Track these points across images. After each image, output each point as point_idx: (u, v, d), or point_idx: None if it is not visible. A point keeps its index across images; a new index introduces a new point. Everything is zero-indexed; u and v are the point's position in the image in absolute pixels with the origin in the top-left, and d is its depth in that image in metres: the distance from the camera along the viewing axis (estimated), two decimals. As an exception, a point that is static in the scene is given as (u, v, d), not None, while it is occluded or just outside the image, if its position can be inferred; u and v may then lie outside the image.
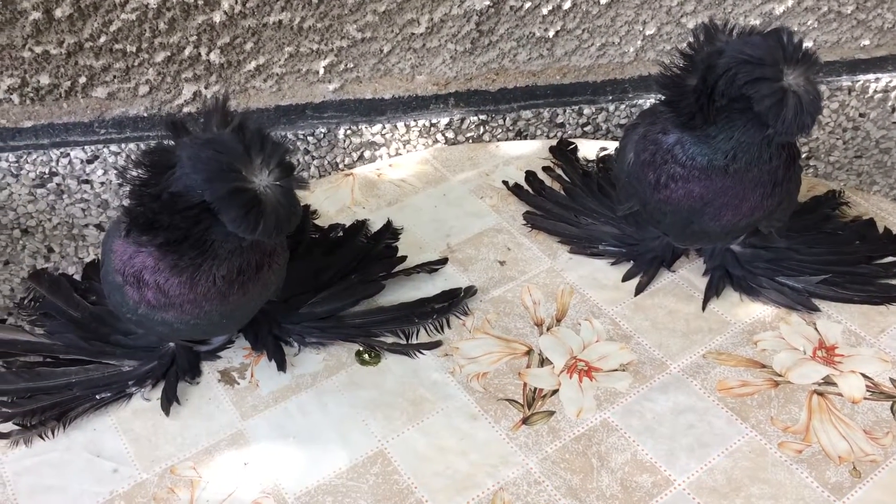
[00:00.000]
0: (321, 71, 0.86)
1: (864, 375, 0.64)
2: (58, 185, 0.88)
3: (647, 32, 0.89)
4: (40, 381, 0.61)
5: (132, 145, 0.87)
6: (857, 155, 1.05)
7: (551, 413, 0.61)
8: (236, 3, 0.79)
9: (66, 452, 0.59)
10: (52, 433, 0.59)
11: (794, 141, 0.63)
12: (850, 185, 1.07)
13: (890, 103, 0.99)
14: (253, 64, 0.85)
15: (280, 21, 0.82)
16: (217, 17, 0.80)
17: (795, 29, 0.91)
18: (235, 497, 0.56)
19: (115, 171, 0.89)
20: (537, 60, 0.90)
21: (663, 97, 0.63)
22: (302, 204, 0.72)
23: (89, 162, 0.88)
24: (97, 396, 0.61)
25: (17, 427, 0.59)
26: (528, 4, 0.85)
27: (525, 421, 0.61)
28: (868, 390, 0.62)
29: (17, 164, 0.87)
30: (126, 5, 0.78)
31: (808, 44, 0.60)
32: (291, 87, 0.88)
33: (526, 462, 0.58)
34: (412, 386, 0.63)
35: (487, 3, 0.84)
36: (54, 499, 0.56)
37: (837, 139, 1.02)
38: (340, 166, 0.94)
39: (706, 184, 0.62)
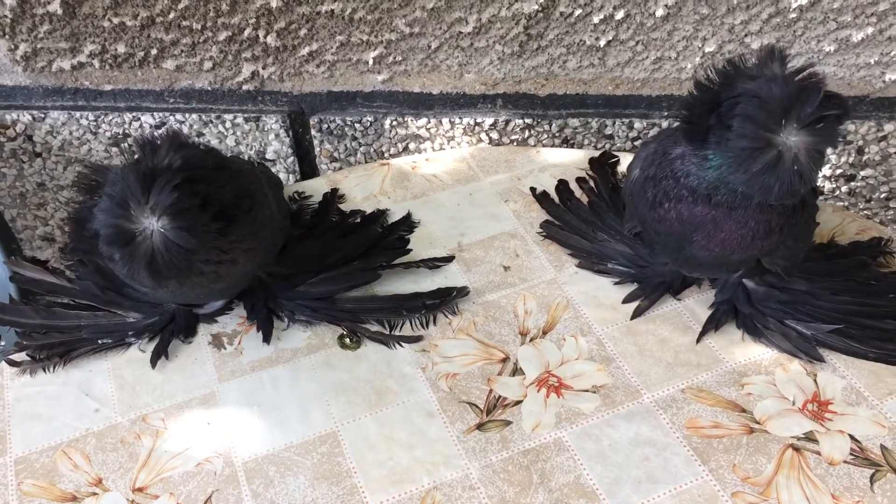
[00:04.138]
0: (370, 61, 0.89)
1: (852, 437, 0.59)
2: (129, 145, 0.96)
3: (707, 49, 0.86)
4: (54, 320, 0.68)
5: (195, 116, 0.94)
6: (947, 201, 0.96)
7: (507, 423, 0.61)
8: (292, -10, 0.83)
9: (62, 387, 0.65)
10: (54, 368, 0.66)
11: (764, 200, 0.56)
12: (938, 233, 0.98)
13: None
14: (306, 49, 0.88)
15: (332, 10, 0.85)
16: (274, 3, 0.84)
17: (875, 61, 0.85)
18: (190, 452, 0.59)
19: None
20: (588, 69, 0.89)
21: (690, 97, 0.60)
22: (333, 190, 0.71)
23: (157, 127, 0.95)
24: (99, 341, 0.67)
25: (27, 358, 0.66)
26: (578, 12, 0.84)
27: (479, 426, 0.61)
28: (852, 454, 0.58)
29: (95, 123, 0.95)
30: (194, -15, 0.84)
31: (837, 118, 0.53)
32: (343, 75, 0.91)
33: (467, 466, 0.58)
34: (382, 376, 0.65)
35: (536, 7, 0.83)
36: (40, 426, 0.62)
37: (924, 182, 0.94)
38: (386, 156, 0.96)
39: (692, 207, 0.59)
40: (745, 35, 0.84)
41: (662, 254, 0.69)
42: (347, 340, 0.68)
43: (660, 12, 0.83)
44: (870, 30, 0.83)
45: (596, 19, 0.84)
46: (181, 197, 0.52)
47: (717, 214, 0.59)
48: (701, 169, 0.58)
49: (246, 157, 0.97)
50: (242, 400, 0.64)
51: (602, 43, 0.86)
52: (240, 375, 0.65)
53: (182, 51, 0.89)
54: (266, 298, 0.70)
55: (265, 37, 0.87)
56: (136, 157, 0.55)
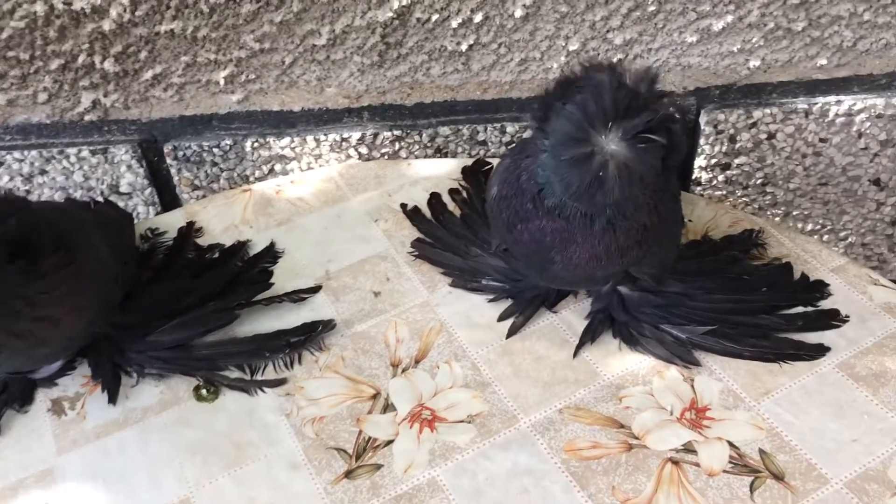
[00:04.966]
0: (222, 81, 0.83)
1: (730, 444, 0.58)
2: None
3: (571, 48, 0.84)
4: None
5: (34, 152, 0.86)
6: (821, 182, 0.97)
7: (378, 467, 0.57)
8: (125, 11, 0.77)
9: None
10: None
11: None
12: (816, 213, 0.99)
13: (855, 128, 0.91)
14: (150, 73, 0.82)
15: (172, 30, 0.79)
16: (106, 26, 0.77)
17: (738, 48, 0.84)
18: (22, 541, 0.53)
19: (20, 178, 0.88)
20: (453, 75, 0.85)
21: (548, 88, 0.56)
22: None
23: (-7, 168, 0.87)
24: (-81, 421, 0.60)
25: None
26: (435, 17, 0.80)
27: (348, 474, 0.57)
28: (731, 462, 0.56)
29: (-77, 168, 0.86)
30: (14, 13, 0.76)
31: (661, 147, 0.51)
32: (194, 97, 0.85)
33: (334, 521, 0.54)
34: (242, 428, 0.60)
35: (391, 14, 0.79)
36: None
37: (796, 165, 0.95)
38: (251, 180, 0.91)
39: (541, 224, 0.56)
40: (608, 31, 0.83)
41: (531, 272, 0.66)
42: (204, 391, 0.63)
43: (518, 13, 0.80)
44: (729, 18, 0.82)
45: (454, 23, 0.81)
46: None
47: (570, 230, 0.56)
48: (537, 175, 0.55)
49: (98, 193, 0.89)
50: (85, 473, 0.57)
51: (464, 47, 0.83)
52: (82, 444, 0.59)
53: (12, 84, 0.81)
54: (112, 353, 0.64)
55: (102, 62, 0.80)
56: None
